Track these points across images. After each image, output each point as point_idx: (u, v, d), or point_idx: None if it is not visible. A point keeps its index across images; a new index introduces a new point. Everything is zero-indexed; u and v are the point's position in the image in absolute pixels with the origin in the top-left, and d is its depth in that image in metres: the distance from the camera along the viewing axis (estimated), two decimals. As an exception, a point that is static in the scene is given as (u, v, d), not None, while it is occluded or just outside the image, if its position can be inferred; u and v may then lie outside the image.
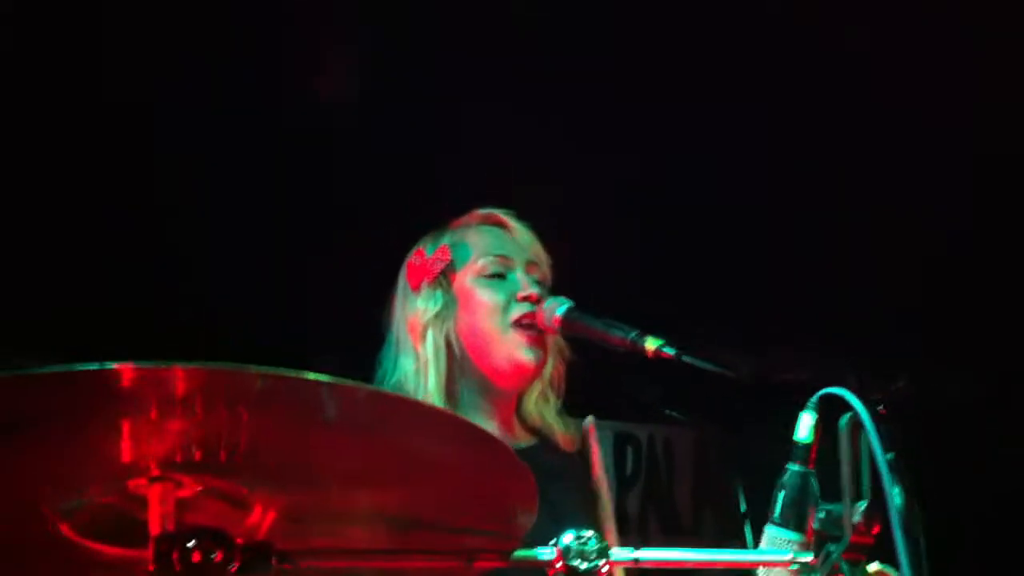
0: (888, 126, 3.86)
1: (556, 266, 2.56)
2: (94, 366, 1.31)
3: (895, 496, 2.33)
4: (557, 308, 2.40)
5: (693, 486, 4.89)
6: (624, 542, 4.85)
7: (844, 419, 1.74)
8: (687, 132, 3.84)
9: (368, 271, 2.69)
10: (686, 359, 2.20)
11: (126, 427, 1.41)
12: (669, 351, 2.22)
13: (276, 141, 3.72)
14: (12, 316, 3.58)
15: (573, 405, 2.63)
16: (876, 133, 3.89)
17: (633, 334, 2.27)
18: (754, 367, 2.35)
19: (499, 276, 2.46)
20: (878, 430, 2.40)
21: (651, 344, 2.23)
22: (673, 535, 4.80)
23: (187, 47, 3.54)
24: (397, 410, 1.55)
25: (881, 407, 2.46)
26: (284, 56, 3.65)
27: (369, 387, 1.76)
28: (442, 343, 2.42)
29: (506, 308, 2.42)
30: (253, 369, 1.39)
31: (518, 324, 2.41)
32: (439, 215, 2.61)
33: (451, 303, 2.45)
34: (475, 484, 1.56)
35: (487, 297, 2.43)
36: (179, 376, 1.36)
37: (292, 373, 1.39)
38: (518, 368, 2.41)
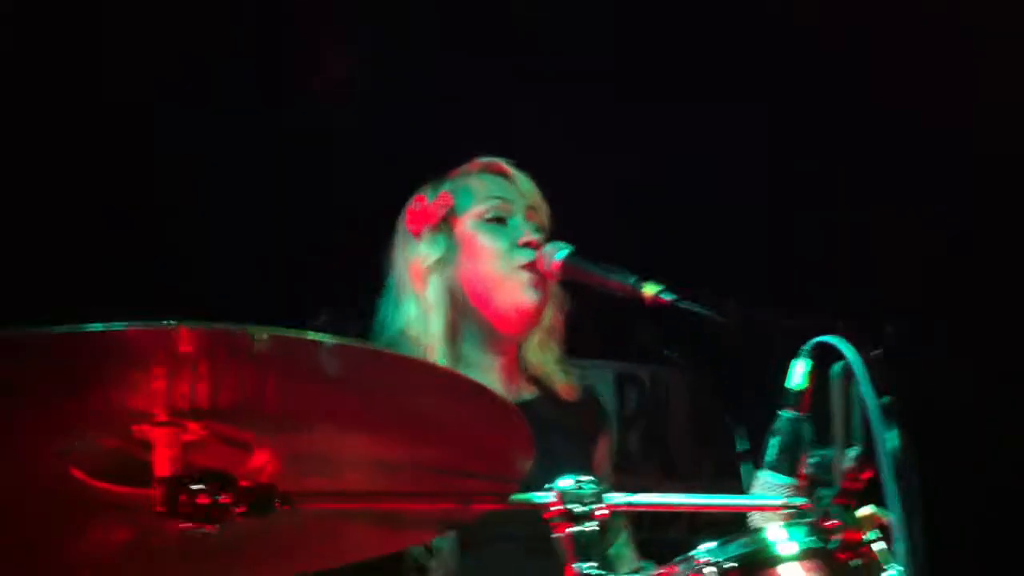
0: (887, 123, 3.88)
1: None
2: (100, 326, 1.34)
3: (890, 439, 2.37)
4: (557, 253, 2.42)
5: (691, 428, 4.95)
6: (624, 480, 4.93)
7: (836, 367, 1.77)
8: (685, 130, 3.86)
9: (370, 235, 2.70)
10: (683, 305, 2.23)
11: (133, 380, 1.44)
12: (667, 296, 2.24)
13: (276, 138, 3.73)
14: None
15: (574, 345, 2.66)
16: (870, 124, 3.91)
17: (632, 279, 2.29)
18: (748, 314, 2.38)
19: (500, 220, 2.48)
20: (872, 376, 2.44)
21: (649, 289, 2.26)
22: (671, 474, 4.87)
23: (187, 47, 3.54)
24: (398, 368, 1.57)
25: (875, 353, 2.50)
26: (284, 55, 3.66)
27: (370, 346, 1.81)
28: (445, 288, 2.44)
29: (508, 253, 2.44)
30: (254, 329, 1.41)
31: (521, 268, 2.43)
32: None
33: (453, 247, 2.47)
34: (474, 435, 1.59)
35: (489, 242, 2.45)
36: (183, 336, 1.39)
37: (295, 333, 1.41)
38: (520, 309, 2.43)
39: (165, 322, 1.43)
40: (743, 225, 4.12)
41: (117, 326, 1.35)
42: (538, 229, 2.49)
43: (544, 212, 2.55)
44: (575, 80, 3.79)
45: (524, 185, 2.54)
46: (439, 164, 2.62)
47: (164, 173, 3.70)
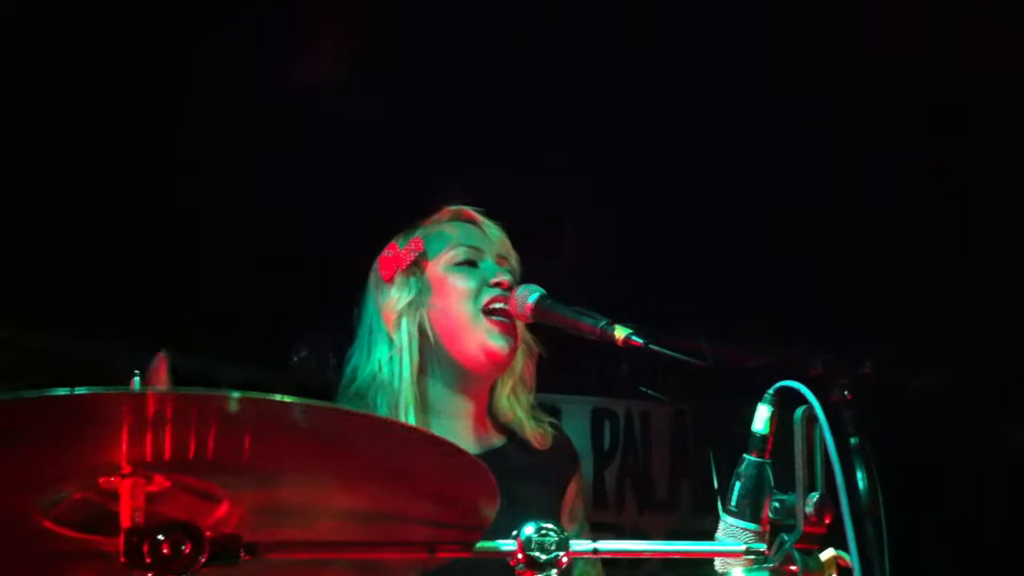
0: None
1: (525, 262, 2.60)
2: (64, 391, 1.37)
3: (859, 479, 2.39)
4: (529, 296, 2.43)
5: (670, 460, 4.97)
6: (602, 516, 4.92)
7: (799, 412, 1.79)
8: (655, 166, 3.90)
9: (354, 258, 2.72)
10: (654, 347, 2.25)
11: (100, 437, 1.47)
12: (638, 340, 2.26)
13: (264, 161, 3.76)
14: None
15: (549, 382, 2.66)
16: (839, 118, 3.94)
17: (603, 323, 2.30)
18: (721, 353, 2.40)
19: (470, 264, 2.50)
20: (844, 414, 2.46)
21: (620, 332, 2.27)
22: (650, 509, 4.88)
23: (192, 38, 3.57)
24: (368, 426, 1.60)
25: (847, 392, 2.52)
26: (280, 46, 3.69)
27: (338, 407, 1.82)
28: (415, 330, 2.46)
29: (477, 294, 2.46)
30: (226, 393, 1.44)
31: (489, 311, 2.45)
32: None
33: (424, 291, 2.48)
34: (441, 486, 1.60)
35: (459, 283, 2.47)
36: (149, 400, 1.42)
37: (263, 396, 1.44)
38: (489, 355, 2.44)
39: (134, 382, 1.49)
40: (720, 263, 4.16)
41: (81, 391, 1.38)
42: (509, 272, 2.51)
43: (514, 259, 2.57)
44: (534, 118, 3.82)
45: (493, 233, 2.57)
46: (415, 205, 2.65)
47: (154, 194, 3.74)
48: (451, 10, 3.70)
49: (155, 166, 3.76)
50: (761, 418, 1.85)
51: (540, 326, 2.51)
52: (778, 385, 1.85)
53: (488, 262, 2.50)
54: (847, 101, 3.88)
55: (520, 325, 2.48)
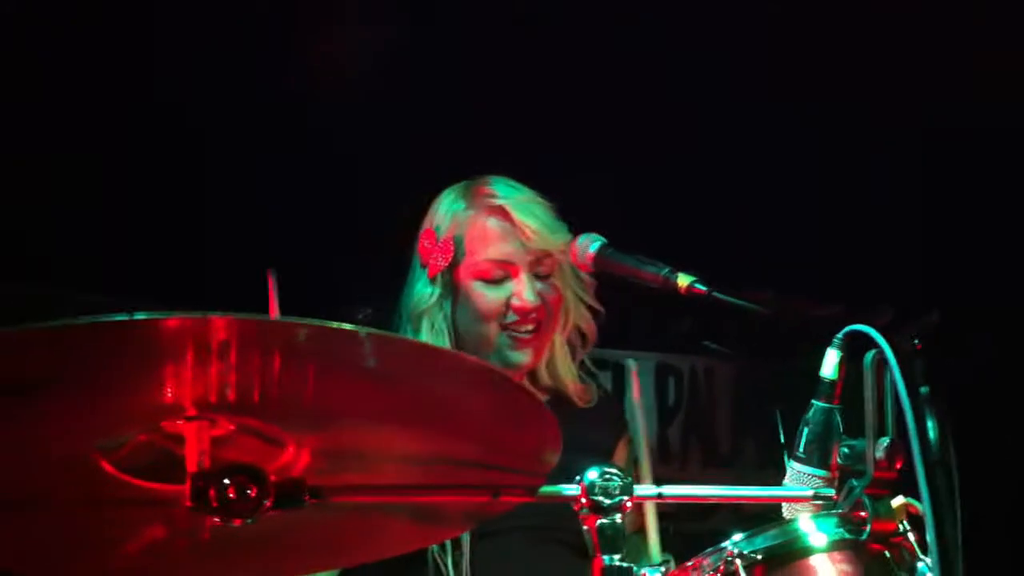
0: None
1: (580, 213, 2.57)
2: (123, 317, 1.34)
3: (929, 428, 2.35)
4: (590, 245, 2.41)
5: (734, 416, 4.93)
6: (666, 472, 4.91)
7: (868, 355, 1.76)
8: (717, 122, 3.85)
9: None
10: (718, 295, 2.22)
11: (165, 372, 1.45)
12: (701, 287, 2.23)
13: (308, 137, 3.77)
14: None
15: (613, 339, 2.65)
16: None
17: (665, 270, 2.27)
18: (786, 302, 2.36)
19: (498, 282, 2.48)
20: (913, 364, 2.42)
21: (683, 280, 2.24)
22: (713, 465, 4.85)
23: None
24: (433, 360, 1.58)
25: (916, 341, 2.47)
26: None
27: (408, 339, 1.80)
28: (441, 327, 2.48)
29: (501, 314, 2.47)
30: (293, 320, 1.41)
31: (509, 327, 2.46)
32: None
33: (449, 294, 2.49)
34: (502, 429, 1.59)
35: (483, 301, 2.47)
36: (216, 326, 1.39)
37: (333, 324, 1.41)
38: (507, 367, 2.46)
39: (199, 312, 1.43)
40: (787, 213, 4.10)
41: (144, 316, 1.34)
42: (545, 276, 2.48)
43: (556, 251, 2.49)
44: (594, 75, 3.79)
45: (532, 230, 2.48)
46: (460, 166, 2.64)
47: (206, 168, 3.76)
48: (451, 10, 3.70)
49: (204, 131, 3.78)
50: (830, 363, 1.82)
51: (603, 277, 2.49)
52: (848, 329, 1.82)
53: (521, 275, 2.46)
54: (847, 101, 3.85)
55: (565, 283, 2.47)
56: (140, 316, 1.34)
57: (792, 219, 4.11)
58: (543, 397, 2.51)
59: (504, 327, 2.46)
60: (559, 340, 2.54)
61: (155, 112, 3.64)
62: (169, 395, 1.48)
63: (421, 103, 3.78)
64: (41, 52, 3.49)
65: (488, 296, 2.47)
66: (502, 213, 2.49)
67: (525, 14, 3.73)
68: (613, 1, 3.82)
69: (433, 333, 2.48)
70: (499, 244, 2.48)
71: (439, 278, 2.49)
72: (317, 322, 1.41)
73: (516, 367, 2.46)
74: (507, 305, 2.46)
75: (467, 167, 2.66)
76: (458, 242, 2.49)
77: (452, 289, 2.49)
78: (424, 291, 2.50)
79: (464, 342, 2.50)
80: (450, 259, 2.49)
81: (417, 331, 2.49)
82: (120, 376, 1.44)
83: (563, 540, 2.33)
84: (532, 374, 2.55)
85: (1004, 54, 3.68)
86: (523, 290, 2.46)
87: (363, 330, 1.42)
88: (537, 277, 2.49)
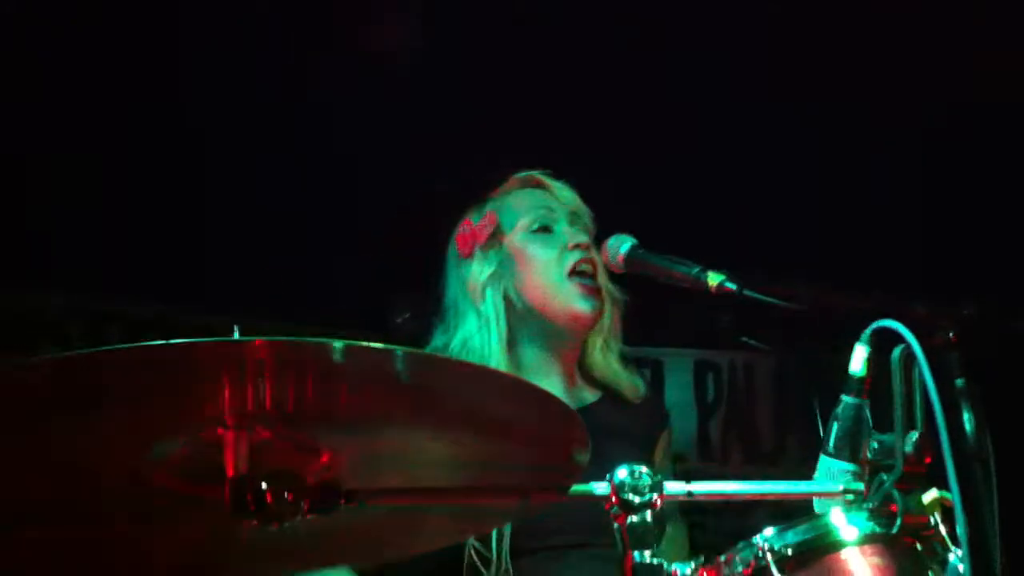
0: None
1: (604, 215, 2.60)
2: (161, 343, 1.41)
3: (966, 421, 2.34)
4: (621, 246, 2.43)
5: (774, 411, 4.92)
6: (707, 469, 4.91)
7: (896, 351, 1.76)
8: (743, 119, 3.85)
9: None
10: (748, 293, 2.23)
11: (205, 388, 1.51)
12: (731, 286, 2.24)
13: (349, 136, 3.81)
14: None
15: (651, 336, 2.66)
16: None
17: (696, 270, 2.28)
18: (819, 297, 2.36)
19: (546, 229, 2.52)
20: (947, 357, 2.41)
21: (713, 279, 2.25)
22: (755, 460, 4.85)
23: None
24: (464, 374, 1.63)
25: (951, 334, 2.47)
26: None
27: (441, 356, 1.83)
28: (501, 300, 2.49)
29: (559, 260, 2.48)
30: (330, 342, 1.46)
31: (573, 273, 2.47)
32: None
33: (505, 262, 2.51)
34: (535, 434, 1.62)
35: (539, 251, 2.50)
36: (254, 348, 1.45)
37: (367, 344, 1.46)
38: (576, 318, 2.47)
39: (234, 335, 1.49)
40: (788, 212, 4.11)
41: (178, 341, 1.41)
42: (584, 231, 2.52)
43: (587, 216, 2.57)
44: (620, 67, 3.81)
45: (563, 194, 2.58)
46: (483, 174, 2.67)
47: (206, 167, 3.81)
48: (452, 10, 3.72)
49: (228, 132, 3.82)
50: (858, 359, 1.83)
51: (633, 277, 2.51)
52: (875, 325, 1.82)
53: (562, 224, 2.52)
54: (847, 101, 3.84)
55: (604, 280, 2.49)
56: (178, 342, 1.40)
57: (792, 218, 4.11)
58: (594, 393, 2.55)
59: (569, 275, 2.46)
60: (604, 337, 2.56)
61: (155, 112, 3.69)
62: (211, 407, 1.53)
63: (422, 103, 3.81)
64: (41, 52, 3.54)
65: (542, 244, 2.49)
66: (532, 181, 2.60)
67: (525, 14, 3.76)
68: (613, 1, 3.84)
69: (482, 321, 2.47)
70: (536, 201, 2.55)
71: (491, 250, 2.51)
72: (354, 342, 1.45)
73: (588, 315, 2.47)
74: (562, 250, 2.48)
75: (469, 165, 2.71)
76: (499, 209, 2.55)
77: (506, 256, 2.51)
78: (479, 267, 2.51)
79: (531, 307, 2.48)
80: (495, 224, 2.52)
81: (477, 307, 2.48)
82: (162, 393, 1.50)
83: (608, 557, 2.33)
84: (583, 368, 2.56)
85: (1004, 54, 3.66)
86: (571, 232, 2.49)
87: (398, 349, 1.46)
88: (581, 232, 2.52)
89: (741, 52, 3.83)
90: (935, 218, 4.15)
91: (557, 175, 2.62)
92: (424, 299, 2.72)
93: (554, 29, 3.81)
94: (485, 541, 2.26)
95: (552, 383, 2.48)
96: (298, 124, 3.82)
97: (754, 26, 3.79)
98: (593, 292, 2.47)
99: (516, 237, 2.52)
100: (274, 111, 3.77)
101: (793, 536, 1.67)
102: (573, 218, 2.55)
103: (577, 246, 2.47)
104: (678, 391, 4.63)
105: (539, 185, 2.59)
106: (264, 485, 1.54)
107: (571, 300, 2.46)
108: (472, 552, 2.26)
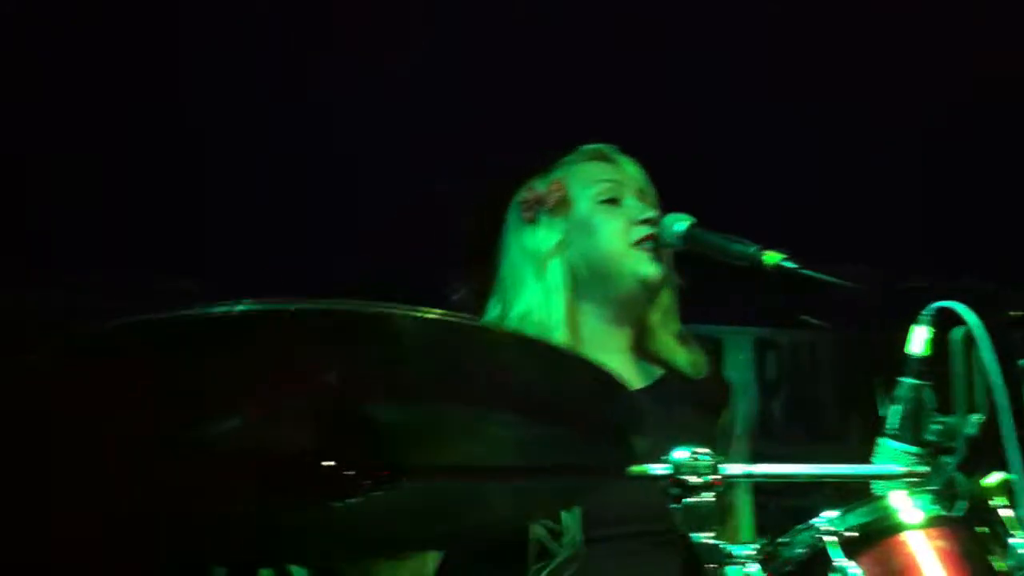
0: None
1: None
2: (224, 308, 1.41)
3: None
4: (678, 224, 2.43)
5: (838, 390, 4.87)
6: (769, 448, 4.88)
7: (957, 332, 1.75)
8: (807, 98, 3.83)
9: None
10: (806, 272, 2.22)
11: (273, 360, 1.50)
12: (790, 265, 2.23)
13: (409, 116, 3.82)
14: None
15: (709, 314, 2.65)
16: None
17: (753, 248, 2.28)
18: (880, 277, 2.34)
19: (613, 201, 2.51)
20: (1012, 336, 2.38)
21: (771, 258, 2.25)
22: (818, 440, 4.81)
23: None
24: (530, 351, 1.61)
25: (1015, 313, 2.43)
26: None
27: (514, 330, 1.83)
28: (566, 269, 2.47)
29: (626, 232, 2.47)
30: (400, 310, 1.45)
31: (639, 244, 2.46)
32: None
33: (571, 231, 2.50)
34: (592, 411, 1.62)
35: (607, 222, 2.48)
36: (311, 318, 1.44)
37: (443, 315, 1.46)
38: (643, 282, 2.46)
39: (295, 306, 1.47)
40: (880, 187, 4.06)
41: (243, 307, 1.40)
42: (651, 208, 2.51)
43: (652, 195, 2.56)
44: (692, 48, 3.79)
45: (631, 169, 2.57)
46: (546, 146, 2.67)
47: (206, 167, 3.84)
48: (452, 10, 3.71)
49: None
50: (918, 340, 1.82)
51: (687, 256, 2.50)
52: (935, 305, 1.81)
53: (631, 199, 2.51)
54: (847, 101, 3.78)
55: (664, 254, 2.49)
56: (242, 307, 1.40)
57: (792, 218, 4.08)
58: (659, 369, 2.54)
59: (633, 243, 2.46)
60: (663, 314, 2.56)
61: (155, 111, 3.71)
62: (278, 381, 1.54)
63: (422, 103, 3.82)
64: (41, 52, 3.57)
65: (610, 217, 2.49)
66: (599, 154, 2.58)
67: (525, 15, 3.75)
68: (613, 1, 3.82)
69: (544, 291, 2.46)
70: (605, 172, 2.55)
71: (557, 218, 2.50)
72: (427, 312, 1.45)
73: (655, 277, 2.46)
74: (629, 223, 2.47)
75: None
76: (567, 178, 2.54)
77: (572, 225, 2.50)
78: (544, 234, 2.49)
79: (596, 276, 2.47)
80: (562, 192, 2.51)
81: (522, 290, 2.47)
82: (237, 364, 1.49)
83: (671, 542, 2.33)
84: (644, 345, 2.55)
85: (1004, 54, 3.60)
86: (639, 207, 2.49)
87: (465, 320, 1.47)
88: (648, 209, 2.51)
89: (741, 52, 3.80)
90: (935, 217, 4.10)
91: (624, 151, 2.61)
92: (479, 273, 2.73)
93: (554, 29, 3.80)
94: (554, 523, 2.25)
95: (617, 359, 2.46)
96: (298, 124, 3.84)
97: (754, 26, 3.76)
98: (658, 258, 2.46)
99: (583, 206, 2.51)
100: (274, 111, 3.79)
101: (855, 518, 1.66)
102: (640, 194, 2.54)
103: (645, 221, 2.46)
104: (738, 370, 4.59)
105: (606, 158, 2.58)
106: (329, 462, 1.56)
107: (638, 264, 2.45)
108: (540, 534, 2.25)
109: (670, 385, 2.50)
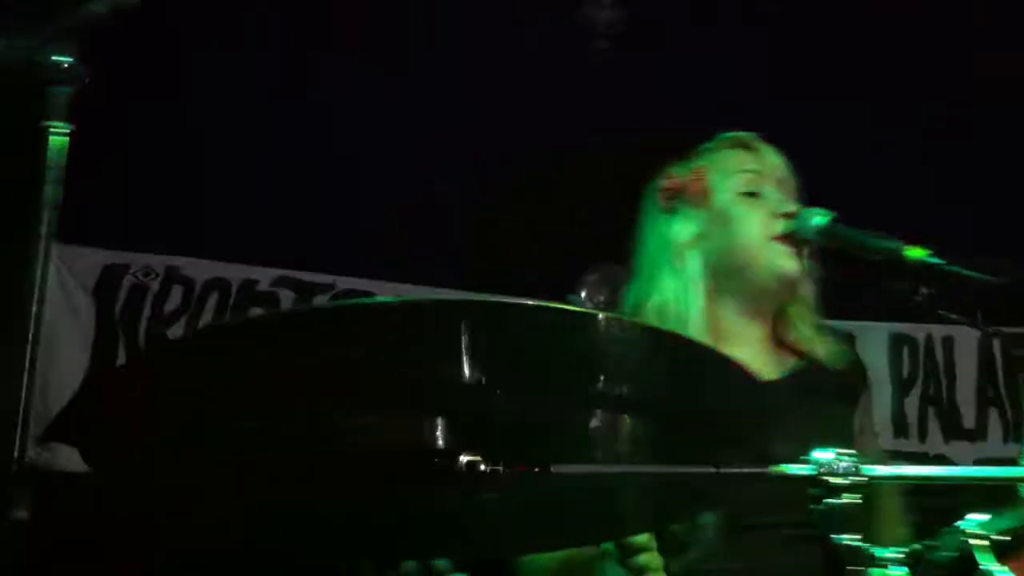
0: None
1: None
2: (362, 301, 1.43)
3: None
4: (817, 218, 2.39)
5: (977, 387, 4.73)
6: (904, 445, 4.76)
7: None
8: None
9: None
10: (950, 268, 2.16)
11: (402, 354, 1.52)
12: (932, 260, 2.17)
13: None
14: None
15: (844, 309, 2.60)
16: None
17: (894, 244, 2.23)
18: (1020, 270, 2.26)
19: (754, 194, 2.47)
20: None
21: (913, 254, 2.19)
22: (955, 437, 4.67)
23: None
24: (660, 344, 1.59)
25: None
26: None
27: (642, 323, 1.81)
28: (703, 262, 2.45)
29: (766, 225, 2.43)
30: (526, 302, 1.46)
31: (779, 238, 2.42)
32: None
33: (710, 222, 2.46)
34: (731, 411, 1.60)
35: (747, 214, 2.44)
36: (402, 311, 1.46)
37: (571, 306, 1.48)
38: (782, 277, 2.42)
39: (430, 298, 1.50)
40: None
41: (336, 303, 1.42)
42: (791, 201, 2.46)
43: (792, 185, 2.51)
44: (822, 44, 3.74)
45: (771, 158, 2.52)
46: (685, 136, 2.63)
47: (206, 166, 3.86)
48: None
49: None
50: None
51: (828, 250, 2.45)
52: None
53: (771, 190, 2.46)
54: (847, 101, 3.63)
55: (803, 247, 2.44)
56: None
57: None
58: (798, 361, 2.49)
59: (772, 238, 2.42)
60: (802, 307, 2.51)
61: (155, 111, 3.75)
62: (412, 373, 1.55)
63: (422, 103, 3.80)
64: None
65: (749, 208, 2.45)
66: (741, 143, 2.54)
67: (525, 15, 3.70)
68: (613, 2, 3.75)
69: (681, 283, 2.43)
70: (747, 160, 2.50)
71: (696, 209, 2.47)
72: (552, 304, 1.45)
73: (794, 272, 2.42)
74: (769, 215, 2.43)
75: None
76: (708, 168, 2.51)
77: (712, 216, 2.46)
78: (683, 224, 2.47)
79: (735, 268, 2.45)
80: (703, 182, 2.48)
81: (659, 281, 2.45)
82: (370, 359, 1.51)
83: (811, 538, 2.28)
84: (782, 337, 2.51)
85: (1004, 54, 3.44)
86: (780, 200, 2.45)
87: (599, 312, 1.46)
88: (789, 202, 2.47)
89: (741, 52, 3.70)
90: (935, 218, 3.95)
91: (768, 139, 2.57)
92: (603, 273, 2.71)
93: (554, 28, 3.76)
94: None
95: (755, 351, 2.43)
96: (298, 124, 3.85)
97: (754, 26, 3.66)
98: (797, 252, 2.42)
99: (723, 197, 2.47)
100: (274, 111, 3.81)
101: (1005, 523, 1.61)
102: (781, 185, 2.49)
103: (786, 215, 2.42)
104: (872, 365, 4.52)
105: (748, 147, 2.53)
106: (464, 457, 1.57)
107: (777, 258, 2.41)
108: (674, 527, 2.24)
109: (809, 375, 2.46)
